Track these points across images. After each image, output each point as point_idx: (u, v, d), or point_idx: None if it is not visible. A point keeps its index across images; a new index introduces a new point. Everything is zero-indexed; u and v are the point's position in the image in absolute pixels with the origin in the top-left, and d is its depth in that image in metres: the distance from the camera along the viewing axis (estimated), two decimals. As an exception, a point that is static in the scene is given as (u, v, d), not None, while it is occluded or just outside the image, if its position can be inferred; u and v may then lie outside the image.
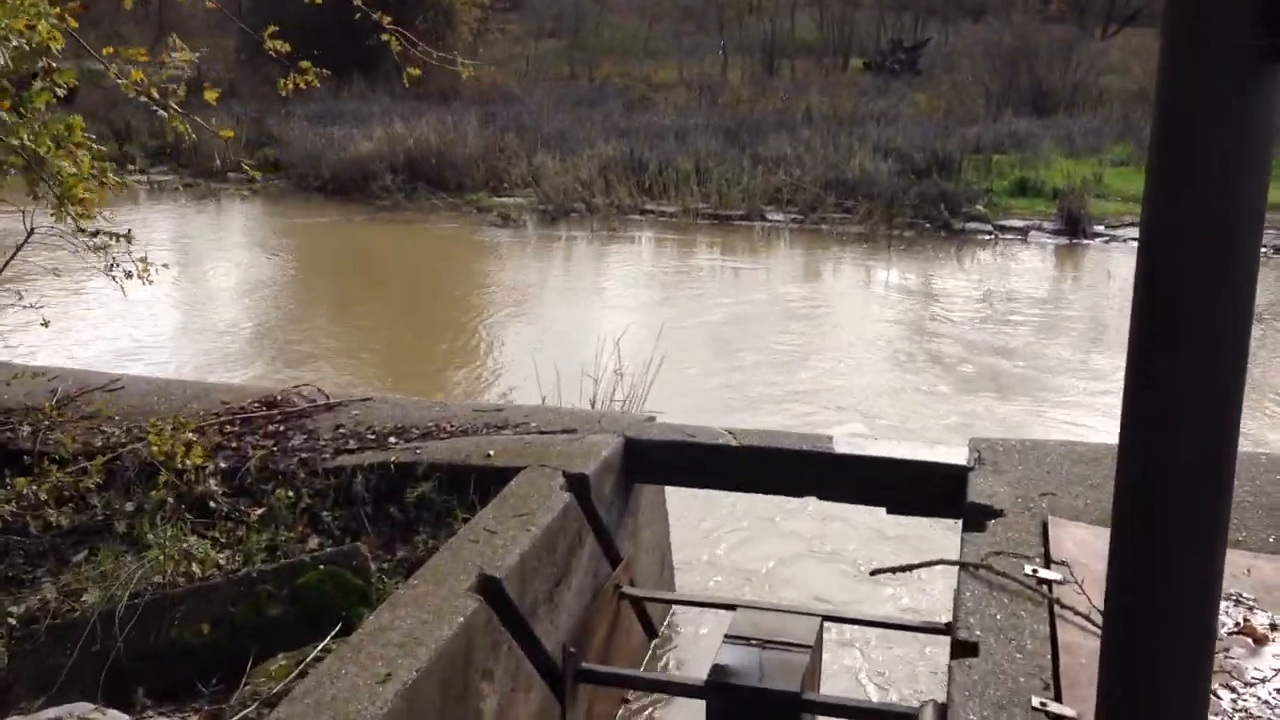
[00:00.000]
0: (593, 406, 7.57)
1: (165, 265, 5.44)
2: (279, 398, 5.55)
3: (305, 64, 5.65)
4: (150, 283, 4.79)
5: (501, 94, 27.32)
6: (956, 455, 4.69)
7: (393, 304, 12.11)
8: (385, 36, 5.65)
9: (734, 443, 4.98)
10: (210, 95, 5.22)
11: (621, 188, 17.59)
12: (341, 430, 5.17)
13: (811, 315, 11.65)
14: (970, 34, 32.85)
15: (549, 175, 17.79)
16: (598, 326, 10.68)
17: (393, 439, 5.08)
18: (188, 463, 4.63)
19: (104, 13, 42.31)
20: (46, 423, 5.14)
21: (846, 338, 10.76)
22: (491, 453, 4.74)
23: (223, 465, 4.80)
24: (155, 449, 4.66)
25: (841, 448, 4.91)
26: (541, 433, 5.14)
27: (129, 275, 4.69)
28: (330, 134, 19.81)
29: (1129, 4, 37.15)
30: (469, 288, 13.15)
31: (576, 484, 4.48)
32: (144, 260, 4.76)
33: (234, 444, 5.02)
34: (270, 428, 5.21)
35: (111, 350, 9.87)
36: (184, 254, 14.03)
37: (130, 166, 19.63)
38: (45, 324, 5.36)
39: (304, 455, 4.92)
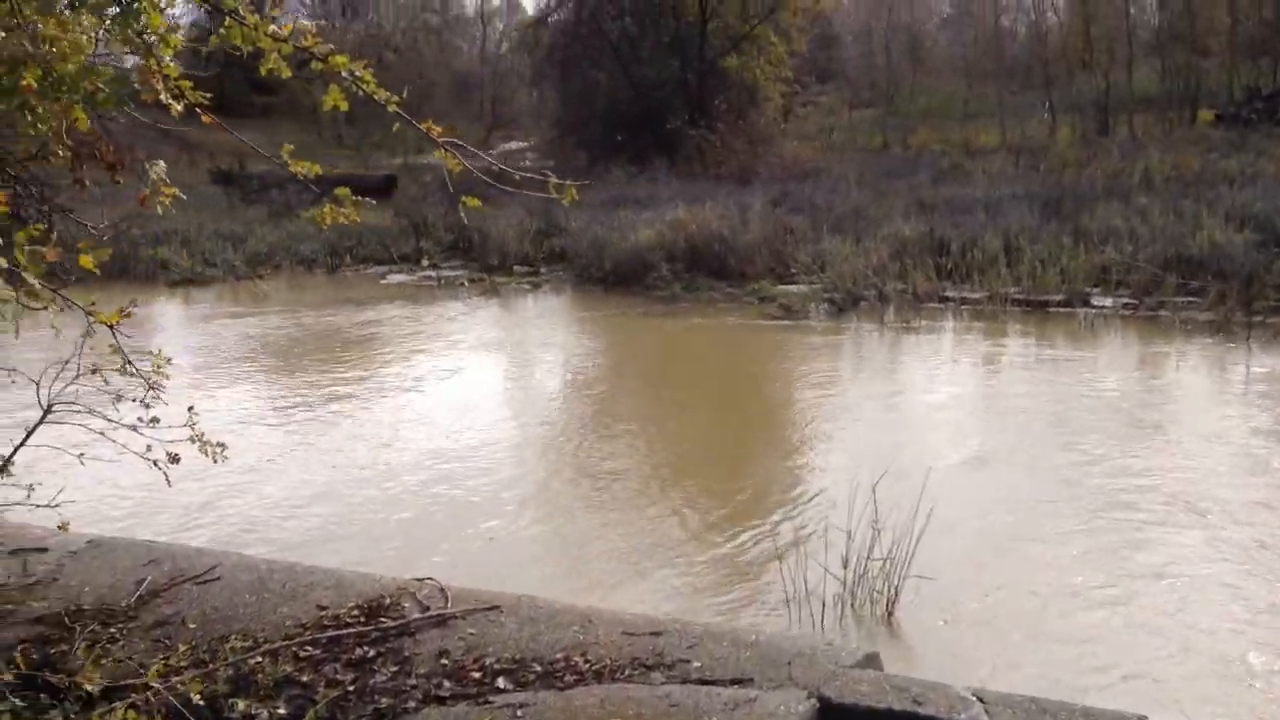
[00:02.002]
0: (844, 567, 6.14)
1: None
2: (387, 601, 4.39)
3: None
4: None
5: (803, 170, 26.09)
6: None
7: (637, 413, 10.97)
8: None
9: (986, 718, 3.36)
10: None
11: (918, 272, 15.79)
12: (444, 661, 3.93)
13: (1154, 430, 9.41)
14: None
15: (837, 260, 16.27)
16: (871, 447, 9.08)
17: (502, 680, 3.79)
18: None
19: (441, 111, 45.27)
20: (112, 632, 4.23)
21: (1206, 468, 8.36)
22: (614, 731, 3.36)
23: (281, 712, 3.68)
24: (194, 688, 3.62)
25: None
26: (703, 682, 3.71)
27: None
28: (615, 221, 19.22)
29: None
30: (730, 394, 11.81)
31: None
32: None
33: (305, 676, 3.88)
34: (359, 651, 4.04)
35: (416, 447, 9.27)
36: (443, 354, 13.54)
37: (424, 262, 19.85)
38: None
39: (382, 704, 3.71)
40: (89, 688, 3.65)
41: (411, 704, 3.69)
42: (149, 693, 3.67)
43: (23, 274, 2.12)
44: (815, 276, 16.40)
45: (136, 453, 3.84)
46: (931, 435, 9.56)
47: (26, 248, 2.19)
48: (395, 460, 9.08)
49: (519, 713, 3.55)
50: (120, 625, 4.31)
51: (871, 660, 3.92)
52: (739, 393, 11.89)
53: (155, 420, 3.94)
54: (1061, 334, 13.78)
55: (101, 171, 4.19)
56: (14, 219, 4.91)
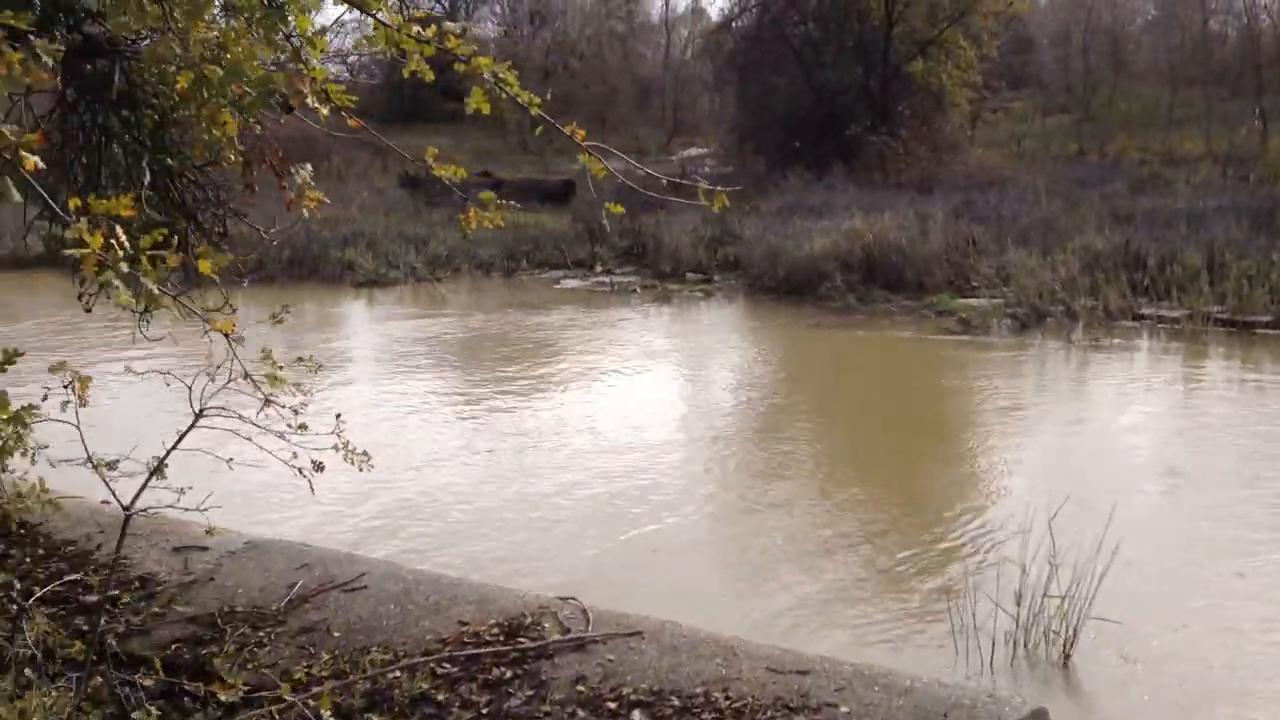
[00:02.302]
0: (1018, 604, 5.74)
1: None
2: (528, 620, 4.27)
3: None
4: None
5: (990, 179, 25.13)
6: None
7: (806, 427, 10.66)
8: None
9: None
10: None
11: (1111, 287, 14.93)
12: (580, 688, 3.79)
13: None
14: None
15: (1022, 273, 15.53)
16: (1053, 473, 8.58)
17: (638, 713, 3.62)
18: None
19: (624, 118, 45.63)
20: (260, 636, 4.25)
21: None
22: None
23: (412, 732, 3.60)
24: (326, 704, 3.57)
25: None
26: (852, 729, 3.46)
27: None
28: (790, 229, 18.89)
29: None
30: (903, 411, 11.37)
31: None
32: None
33: (441, 695, 3.80)
34: (496, 672, 3.93)
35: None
36: (612, 360, 13.50)
37: (597, 267, 19.92)
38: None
39: (512, 731, 3.59)
40: (223, 696, 3.64)
41: (545, 733, 3.56)
42: (285, 704, 3.64)
43: (143, 278, 2.05)
44: (998, 290, 15.70)
45: (282, 460, 3.81)
46: (1120, 462, 8.96)
47: (148, 252, 2.10)
48: (558, 464, 9.09)
49: (654, 750, 3.38)
50: (269, 629, 4.32)
51: (1039, 717, 3.58)
52: (912, 410, 11.43)
53: (304, 427, 3.91)
54: (1270, 357, 12.80)
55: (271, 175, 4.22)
56: (187, 220, 4.99)
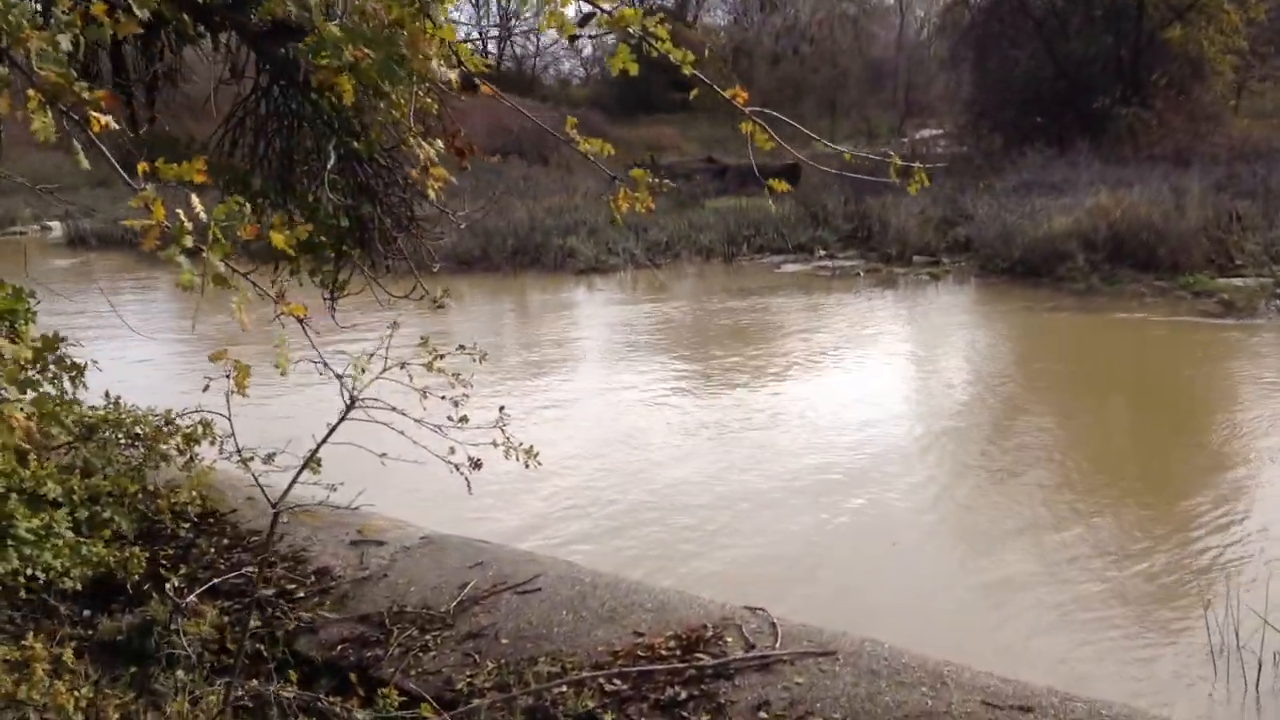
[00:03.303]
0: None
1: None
2: (709, 634, 3.86)
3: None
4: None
5: (1256, 151, 22.94)
6: None
7: (1046, 417, 9.80)
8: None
9: None
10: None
11: (1401, 265, 13.25)
12: (762, 715, 3.36)
13: None
14: None
15: (1297, 250, 14.00)
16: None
17: (825, 750, 3.16)
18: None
19: (855, 100, 44.57)
20: (427, 640, 4.02)
21: None
22: None
23: (573, 757, 3.26)
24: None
25: None
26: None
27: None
28: (1027, 208, 17.71)
29: None
30: (1154, 399, 10.32)
31: None
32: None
33: (609, 716, 3.44)
34: (670, 691, 3.55)
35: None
36: (832, 346, 12.90)
37: (819, 251, 19.28)
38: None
39: (683, 761, 3.19)
40: (369, 709, 3.39)
41: (717, 767, 3.15)
42: None
43: (207, 255, 1.77)
44: (1265, 269, 14.20)
45: (441, 456, 3.55)
46: None
47: (221, 223, 1.81)
48: (778, 449, 8.75)
49: (837, 799, 2.91)
50: (436, 632, 4.09)
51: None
52: (1164, 398, 10.39)
53: (465, 419, 3.63)
54: None
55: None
56: (372, 203, 4.82)
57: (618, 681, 3.61)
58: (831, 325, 14.19)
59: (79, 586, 4.01)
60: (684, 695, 3.51)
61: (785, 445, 8.88)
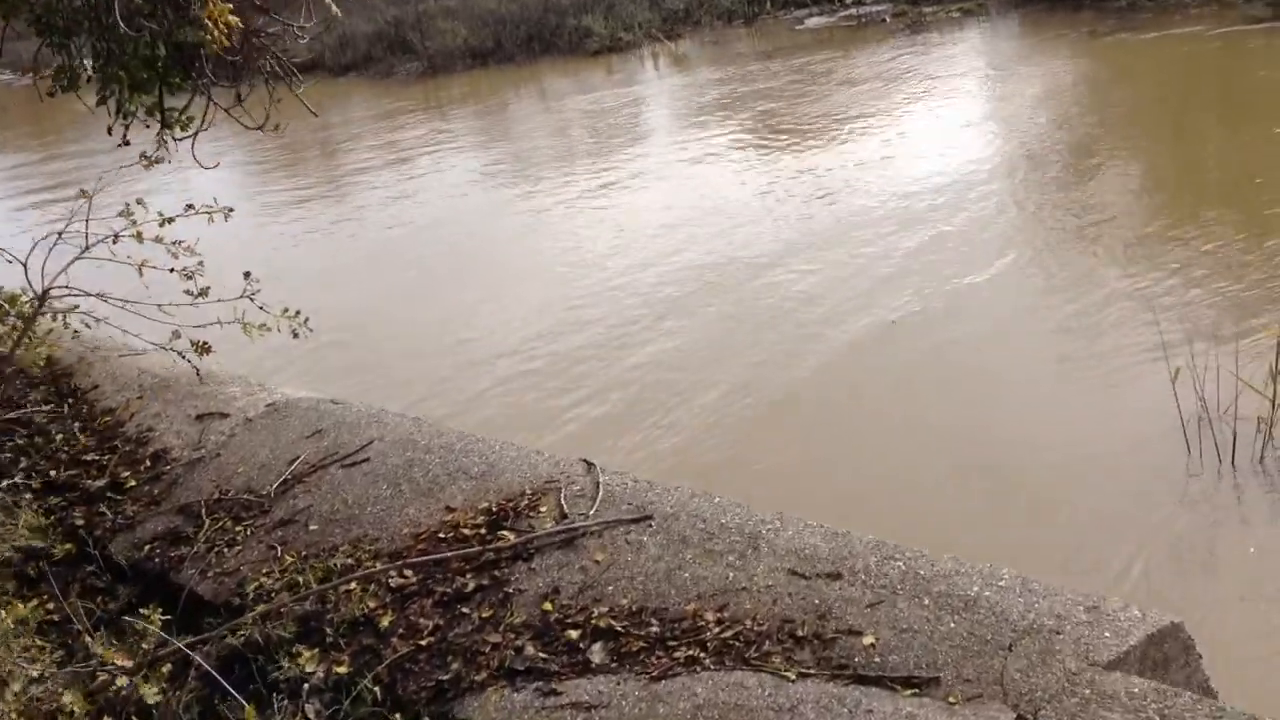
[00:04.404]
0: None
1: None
2: (524, 503, 3.37)
3: None
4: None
5: None
6: None
7: (1106, 152, 9.07)
8: None
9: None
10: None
11: None
12: (546, 607, 2.90)
13: None
14: None
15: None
16: None
17: (598, 647, 2.73)
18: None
19: None
20: (237, 532, 3.62)
21: None
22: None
23: (339, 671, 2.87)
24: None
25: None
26: (871, 681, 2.41)
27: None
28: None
29: None
30: (1213, 117, 9.41)
31: None
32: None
33: (386, 618, 3.00)
34: (459, 581, 3.09)
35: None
36: (858, 100, 11.94)
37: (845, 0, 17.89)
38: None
39: (448, 674, 2.76)
40: (120, 661, 2.99)
41: (479, 677, 2.71)
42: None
43: None
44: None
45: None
46: None
47: None
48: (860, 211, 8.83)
49: (590, 716, 2.47)
50: (250, 521, 3.68)
51: (1168, 636, 2.39)
52: (1231, 114, 9.49)
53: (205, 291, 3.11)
54: None
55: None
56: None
57: (409, 573, 3.17)
58: (848, 80, 13.14)
59: None
60: (472, 586, 3.05)
61: (856, 205, 8.98)
